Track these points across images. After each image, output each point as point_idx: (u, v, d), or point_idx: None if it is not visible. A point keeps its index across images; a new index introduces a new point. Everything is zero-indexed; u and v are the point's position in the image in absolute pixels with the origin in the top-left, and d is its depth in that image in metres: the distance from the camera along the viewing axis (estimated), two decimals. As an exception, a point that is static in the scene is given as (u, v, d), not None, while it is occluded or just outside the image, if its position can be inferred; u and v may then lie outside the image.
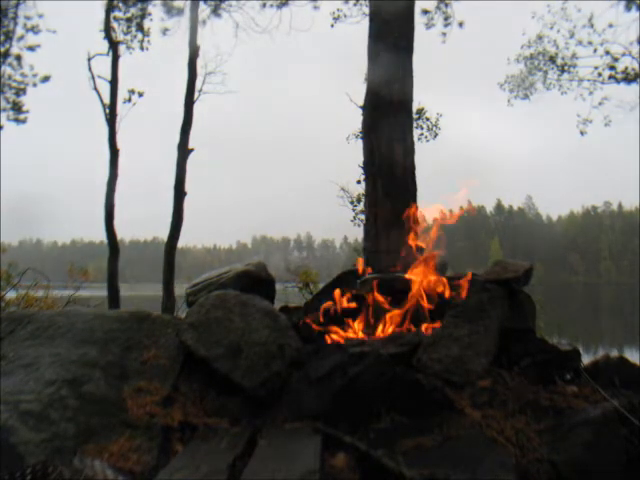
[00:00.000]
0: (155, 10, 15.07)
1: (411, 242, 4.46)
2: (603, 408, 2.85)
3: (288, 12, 12.15)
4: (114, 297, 11.28)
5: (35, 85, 13.00)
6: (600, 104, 13.01)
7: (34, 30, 12.67)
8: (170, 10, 12.62)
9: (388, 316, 3.89)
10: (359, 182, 9.71)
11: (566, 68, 13.29)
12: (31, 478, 1.96)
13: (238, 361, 3.21)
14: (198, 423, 2.88)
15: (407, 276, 4.12)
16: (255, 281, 4.07)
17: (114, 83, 11.60)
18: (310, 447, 2.49)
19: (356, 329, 3.90)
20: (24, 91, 12.97)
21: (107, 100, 11.61)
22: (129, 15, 12.10)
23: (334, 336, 3.74)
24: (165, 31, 12.65)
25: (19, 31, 12.55)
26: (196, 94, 11.48)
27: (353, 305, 4.00)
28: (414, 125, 6.99)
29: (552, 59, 13.32)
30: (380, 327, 3.88)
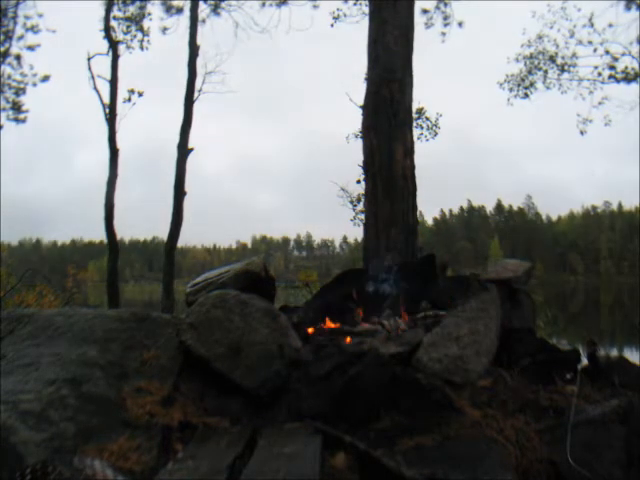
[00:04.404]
0: (155, 9, 15.10)
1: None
2: (603, 408, 2.85)
3: (288, 11, 12.18)
4: (114, 296, 11.28)
5: (35, 85, 13.00)
6: (600, 104, 13.02)
7: (34, 30, 12.68)
8: (169, 9, 12.62)
9: None
10: (359, 182, 9.73)
11: (566, 67, 13.28)
12: (31, 478, 1.96)
13: (238, 361, 3.21)
14: (198, 423, 2.88)
15: None
16: (255, 280, 4.06)
17: (114, 83, 11.60)
18: (310, 447, 2.49)
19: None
20: (24, 91, 12.97)
21: (107, 100, 11.62)
22: (129, 14, 12.10)
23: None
24: (164, 30, 12.67)
25: (19, 31, 12.56)
26: (196, 94, 11.50)
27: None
28: (414, 125, 6.99)
29: (552, 58, 13.32)
30: None
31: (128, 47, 12.09)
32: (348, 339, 3.71)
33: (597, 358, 3.46)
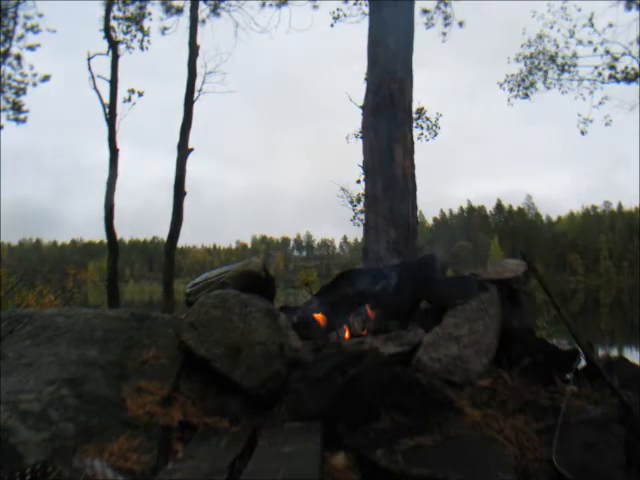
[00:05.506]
0: (154, 9, 15.10)
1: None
2: (603, 408, 2.85)
3: (288, 11, 12.18)
4: (114, 296, 11.27)
5: (35, 85, 13.00)
6: (600, 104, 13.02)
7: (34, 30, 12.67)
8: (169, 9, 12.62)
9: None
10: (359, 182, 9.73)
11: (566, 67, 13.28)
12: (31, 478, 1.96)
13: (238, 361, 3.21)
14: (198, 423, 2.88)
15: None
16: (255, 281, 4.06)
17: (114, 83, 11.59)
18: (310, 447, 2.49)
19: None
20: (24, 91, 12.97)
21: (107, 100, 11.62)
22: (129, 14, 12.09)
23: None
24: (164, 30, 12.66)
25: (19, 31, 12.55)
26: (196, 94, 11.48)
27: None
28: (414, 125, 6.99)
29: (552, 58, 13.32)
30: None
31: (128, 47, 12.09)
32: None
33: (593, 359, 3.45)
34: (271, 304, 3.83)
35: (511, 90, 13.58)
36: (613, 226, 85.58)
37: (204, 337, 3.33)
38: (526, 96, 13.58)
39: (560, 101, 16.84)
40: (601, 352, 4.25)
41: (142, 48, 12.25)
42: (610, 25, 12.69)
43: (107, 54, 11.74)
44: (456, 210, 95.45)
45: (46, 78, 13.15)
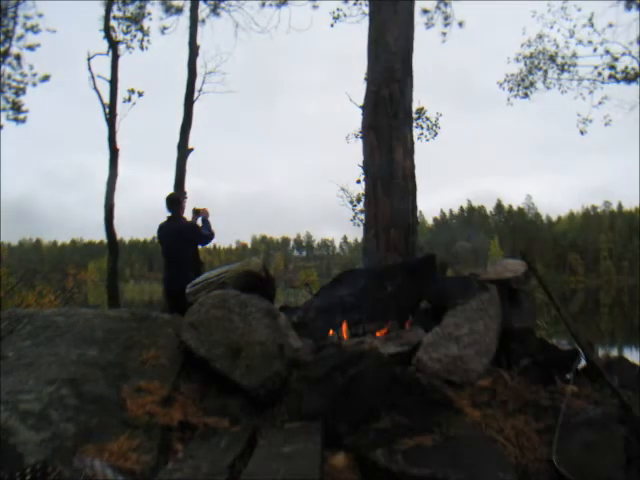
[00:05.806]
0: (154, 9, 15.09)
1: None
2: (603, 408, 2.85)
3: (287, 11, 12.17)
4: (114, 296, 11.27)
5: (35, 85, 13.00)
6: (600, 103, 13.03)
7: (34, 30, 12.66)
8: (169, 9, 12.61)
9: None
10: (359, 182, 9.72)
11: (566, 67, 13.29)
12: (31, 478, 1.96)
13: (238, 361, 3.21)
14: (198, 423, 2.88)
15: None
16: (255, 281, 4.06)
17: (114, 83, 11.58)
18: (310, 447, 2.49)
19: None
20: (23, 91, 12.97)
21: (107, 100, 11.61)
22: (129, 14, 12.08)
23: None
24: (164, 30, 12.66)
25: (19, 30, 12.54)
26: (196, 94, 11.47)
27: None
28: (414, 125, 6.99)
29: (552, 58, 13.31)
30: None
31: (128, 47, 12.07)
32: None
33: (593, 359, 3.45)
34: (271, 304, 3.83)
35: (511, 90, 13.59)
36: (613, 226, 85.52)
37: (204, 337, 3.33)
38: (526, 95, 13.59)
39: (559, 100, 16.79)
40: (601, 352, 4.24)
41: (142, 48, 12.24)
42: (610, 25, 12.70)
43: (107, 54, 11.74)
44: (456, 210, 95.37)
45: (46, 78, 13.15)
